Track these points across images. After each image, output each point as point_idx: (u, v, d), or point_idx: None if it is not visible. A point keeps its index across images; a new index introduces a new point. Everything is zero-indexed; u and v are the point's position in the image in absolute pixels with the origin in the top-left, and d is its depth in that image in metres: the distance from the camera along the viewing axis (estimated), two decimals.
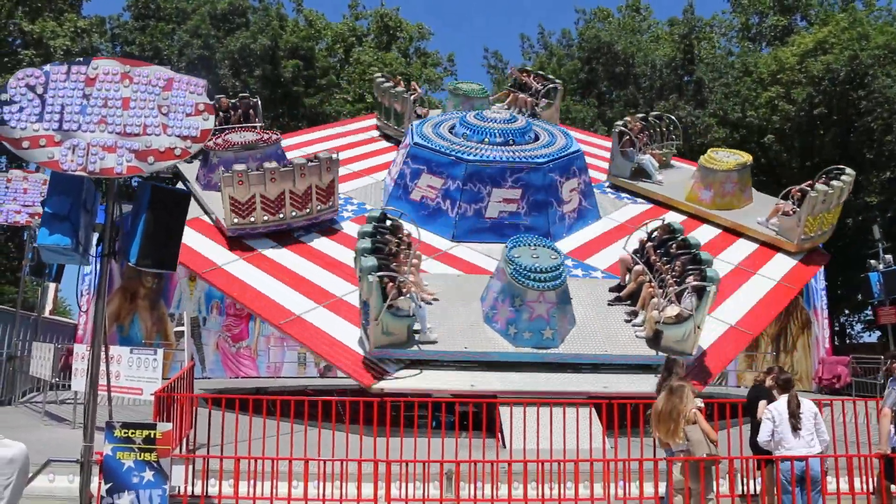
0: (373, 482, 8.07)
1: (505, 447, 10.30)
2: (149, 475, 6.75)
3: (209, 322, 25.05)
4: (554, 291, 12.03)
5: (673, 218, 16.29)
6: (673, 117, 21.38)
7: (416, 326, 11.96)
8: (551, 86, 23.99)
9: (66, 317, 42.81)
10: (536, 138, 17.92)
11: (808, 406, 8.04)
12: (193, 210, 14.25)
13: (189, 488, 8.21)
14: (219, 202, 15.68)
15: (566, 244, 16.01)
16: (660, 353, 11.89)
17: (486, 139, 17.02)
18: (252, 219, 15.34)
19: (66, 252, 6.94)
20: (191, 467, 8.29)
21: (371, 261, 11.23)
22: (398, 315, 11.55)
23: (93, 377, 6.84)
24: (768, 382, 8.81)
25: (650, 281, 12.65)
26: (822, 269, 22.97)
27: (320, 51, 42.04)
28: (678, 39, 39.02)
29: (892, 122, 31.01)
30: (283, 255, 15.05)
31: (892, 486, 7.84)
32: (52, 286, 26.85)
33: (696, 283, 11.83)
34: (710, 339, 13.12)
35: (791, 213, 16.67)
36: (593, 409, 9.90)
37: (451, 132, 17.78)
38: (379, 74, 25.33)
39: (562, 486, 8.00)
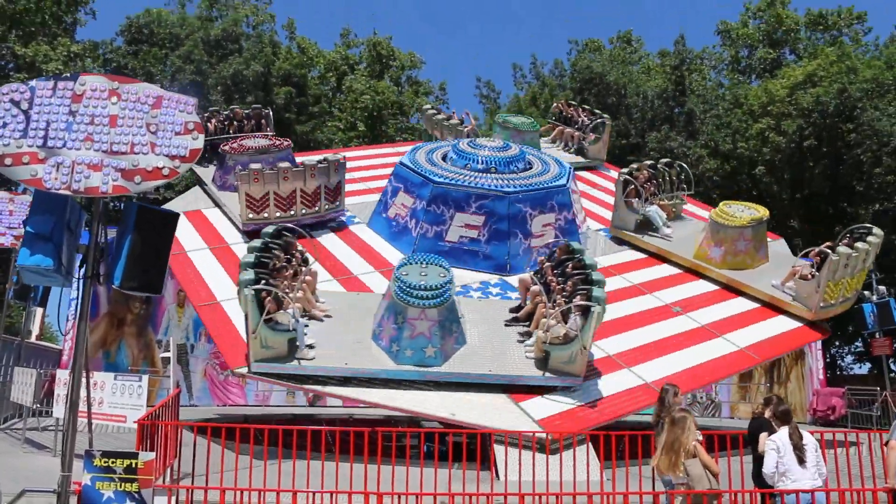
0: None
1: (499, 479, 10.04)
2: None
3: (197, 349, 24.68)
4: (436, 309, 11.85)
5: (693, 284, 16.28)
6: (685, 165, 20.11)
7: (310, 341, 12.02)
8: (599, 120, 23.60)
9: (53, 342, 42.23)
10: (525, 168, 17.74)
11: (809, 438, 7.89)
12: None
13: None
14: (234, 201, 17.05)
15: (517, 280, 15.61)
16: (546, 374, 11.83)
17: (469, 165, 17.12)
18: (265, 214, 16.47)
19: (48, 273, 6.71)
20: (174, 498, 7.98)
21: (249, 274, 11.44)
22: (277, 329, 11.51)
23: (72, 403, 6.58)
24: (767, 414, 8.61)
25: (544, 301, 12.47)
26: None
27: (312, 78, 42.13)
28: (669, 71, 39.33)
29: (881, 154, 31.18)
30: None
31: None
32: (38, 311, 26.49)
33: (581, 302, 11.58)
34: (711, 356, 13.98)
35: (810, 277, 15.02)
36: (589, 444, 9.66)
37: (443, 159, 17.81)
38: (429, 105, 24.97)
39: None
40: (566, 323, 11.67)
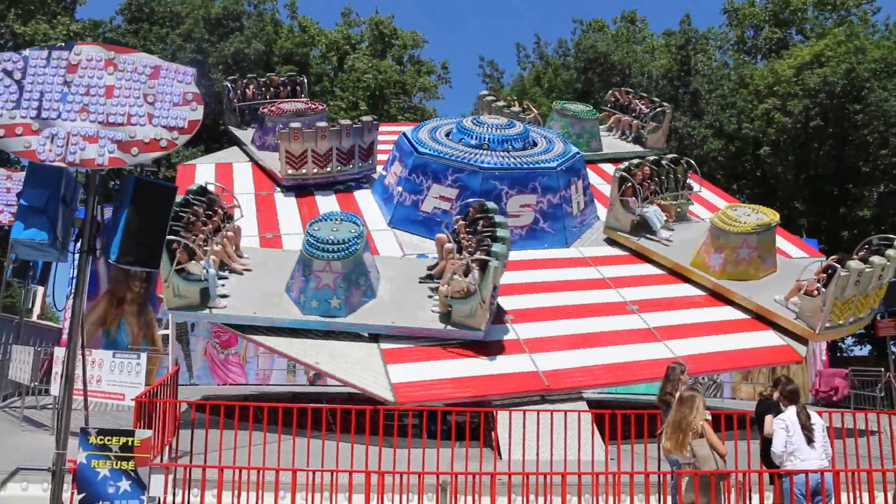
0: (364, 493, 7.68)
1: (501, 458, 9.94)
2: (125, 485, 6.34)
3: (197, 328, 24.51)
4: (340, 262, 12.18)
5: (673, 286, 15.09)
6: (692, 162, 18.79)
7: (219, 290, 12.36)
8: (659, 108, 22.93)
9: (55, 322, 42.20)
10: (524, 147, 17.31)
11: (816, 419, 7.80)
12: None
13: (170, 499, 7.80)
14: (272, 160, 18.73)
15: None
16: (448, 328, 12.08)
17: (463, 140, 17.11)
18: (304, 171, 17.87)
19: (42, 247, 6.54)
20: (172, 477, 7.88)
21: None
22: (188, 279, 11.84)
23: (67, 380, 6.45)
24: (775, 396, 8.49)
25: (455, 258, 12.67)
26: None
27: (314, 58, 41.76)
28: (675, 51, 38.94)
29: (888, 135, 30.93)
30: None
31: None
32: (40, 290, 26.40)
33: (479, 257, 11.87)
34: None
35: (815, 293, 13.40)
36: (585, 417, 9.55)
37: (446, 135, 17.74)
38: (486, 92, 23.79)
39: (562, 499, 7.64)
40: (467, 277, 11.88)
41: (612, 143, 23.22)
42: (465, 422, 10.70)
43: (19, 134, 6.43)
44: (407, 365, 11.69)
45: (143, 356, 11.81)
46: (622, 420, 8.72)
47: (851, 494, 8.29)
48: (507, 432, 9.40)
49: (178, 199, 12.79)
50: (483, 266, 11.74)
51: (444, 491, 7.97)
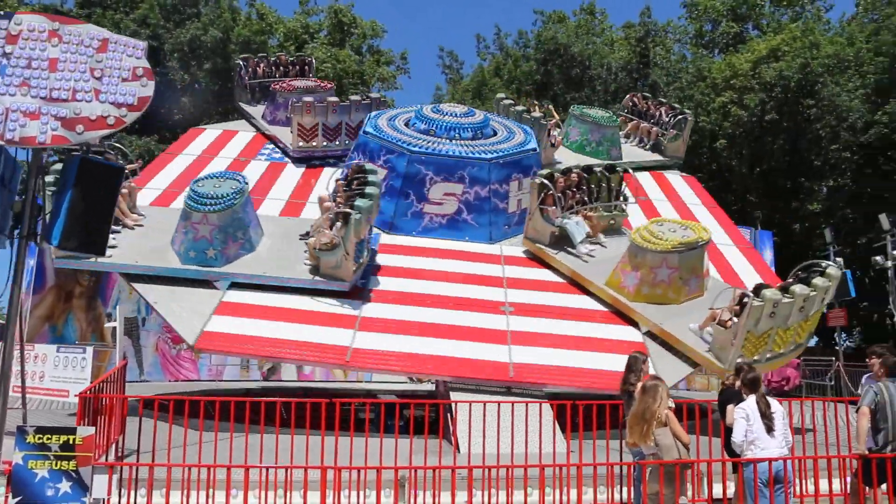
0: (320, 490, 7.42)
1: (460, 451, 9.77)
2: (65, 486, 6.00)
3: (148, 323, 23.87)
4: (217, 214, 12.82)
5: (573, 296, 14.03)
6: (630, 170, 17.66)
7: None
8: (681, 116, 22.00)
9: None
10: (475, 137, 16.99)
11: (777, 406, 7.73)
12: None
13: (115, 500, 7.45)
14: (283, 134, 19.64)
15: (407, 240, 15.70)
16: (316, 278, 12.72)
17: (415, 125, 17.12)
18: (314, 143, 18.83)
19: None
20: (118, 477, 7.52)
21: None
22: None
23: (3, 376, 6.07)
24: (737, 384, 8.44)
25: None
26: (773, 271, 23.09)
27: (272, 47, 41.04)
28: (634, 43, 39.14)
29: (839, 129, 31.47)
30: None
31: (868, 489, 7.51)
32: None
33: (342, 209, 12.52)
34: None
35: (728, 324, 12.04)
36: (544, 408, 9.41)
37: (406, 123, 17.61)
38: (503, 95, 22.77)
39: (523, 492, 7.48)
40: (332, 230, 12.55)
41: (630, 151, 22.15)
42: (424, 416, 10.55)
43: None
44: (235, 318, 12.09)
45: (90, 350, 11.37)
46: (584, 411, 8.59)
47: (807, 482, 8.32)
48: (466, 426, 9.23)
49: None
50: (346, 219, 12.33)
51: (402, 486, 7.76)
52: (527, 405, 9.21)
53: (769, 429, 7.46)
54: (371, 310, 12.83)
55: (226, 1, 39.59)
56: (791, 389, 21.97)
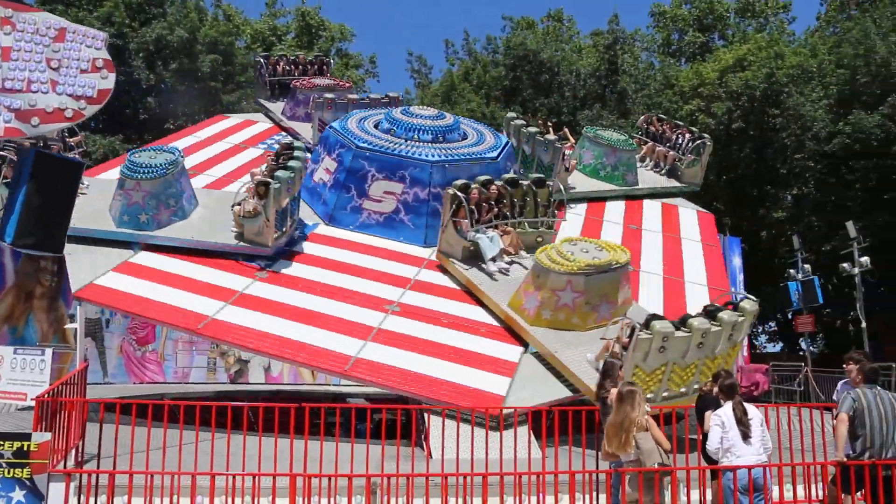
0: (289, 497, 7.18)
1: (432, 458, 9.58)
2: (19, 495, 5.68)
3: (112, 324, 23.36)
4: (150, 182, 13.81)
5: (471, 307, 13.42)
6: (561, 185, 17.08)
7: None
8: (700, 141, 20.92)
9: None
10: (436, 140, 16.72)
11: (754, 412, 7.65)
12: None
13: None
14: (302, 129, 20.73)
15: (340, 234, 15.85)
16: (240, 244, 13.80)
17: (379, 125, 17.19)
18: None
19: None
20: (76, 484, 7.20)
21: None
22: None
23: None
24: (715, 390, 8.36)
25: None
26: (741, 277, 23.28)
27: (239, 49, 40.59)
28: (602, 50, 39.39)
29: (804, 138, 31.91)
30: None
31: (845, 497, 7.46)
32: None
33: (261, 178, 13.68)
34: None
35: (619, 357, 10.69)
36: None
37: (375, 125, 17.51)
38: (514, 115, 20.99)
39: (500, 499, 7.31)
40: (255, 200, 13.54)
41: (646, 176, 21.27)
42: (396, 420, 10.33)
43: None
44: (128, 277, 12.91)
45: (49, 352, 10.91)
46: (559, 417, 8.44)
47: (783, 489, 8.27)
48: (438, 431, 9.04)
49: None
50: (267, 188, 13.33)
51: (374, 493, 7.55)
52: (501, 410, 9.04)
53: (745, 436, 7.38)
54: (254, 287, 13.15)
55: (192, 1, 39.09)
56: (760, 395, 22.13)
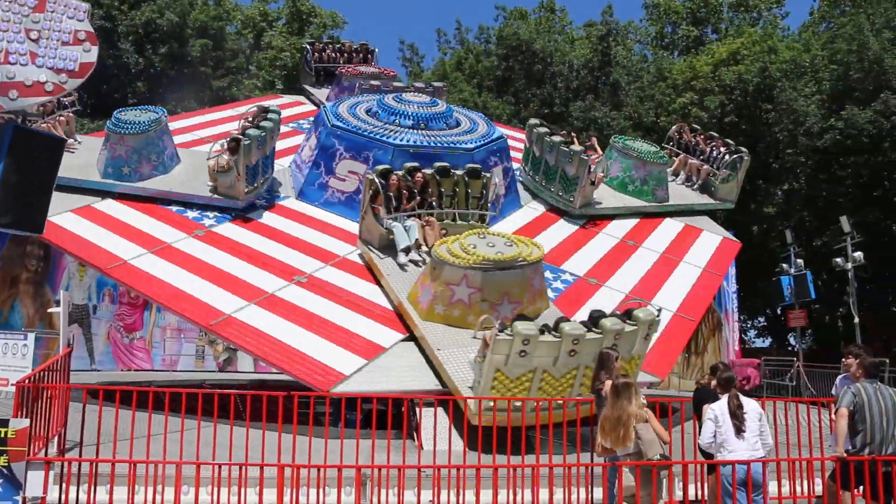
0: (277, 488, 6.99)
1: (424, 449, 9.41)
2: None
3: (100, 310, 23.08)
4: (133, 136, 14.97)
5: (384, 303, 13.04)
6: (496, 178, 15.84)
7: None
8: (737, 155, 19.55)
9: None
10: (417, 125, 16.60)
11: (752, 406, 7.47)
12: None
13: (56, 496, 6.91)
14: None
15: (301, 207, 16.20)
16: (214, 196, 15.03)
17: (370, 110, 17.31)
18: None
19: None
20: (57, 472, 6.98)
21: None
22: None
23: None
24: (713, 384, 8.21)
25: None
26: (733, 272, 23.17)
27: (230, 34, 40.13)
28: (596, 41, 39.20)
29: (796, 133, 31.86)
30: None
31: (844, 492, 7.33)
32: None
33: (235, 135, 14.80)
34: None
35: (478, 360, 10.18)
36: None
37: (367, 111, 17.47)
38: (537, 121, 19.10)
39: (493, 492, 7.15)
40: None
41: (677, 191, 19.68)
42: (387, 411, 10.17)
43: None
44: (80, 218, 13.91)
45: (31, 336, 10.72)
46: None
47: (780, 484, 8.15)
48: (430, 422, 8.87)
49: None
50: (238, 144, 14.44)
51: (364, 485, 7.37)
52: (494, 401, 8.88)
53: (738, 430, 7.20)
54: (183, 243, 13.85)
55: None
56: (752, 389, 22.11)
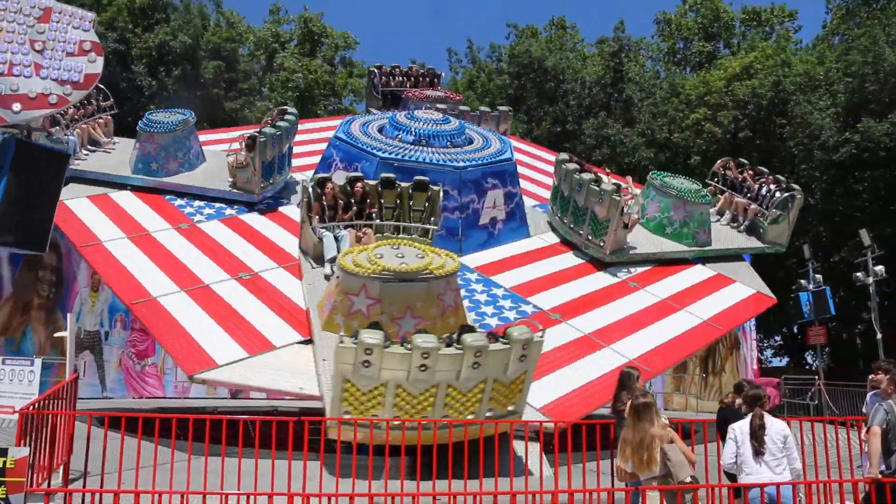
0: None
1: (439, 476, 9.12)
2: None
3: (112, 337, 23.06)
4: (161, 135, 16.27)
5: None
6: (440, 189, 14.22)
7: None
8: (788, 194, 17.36)
9: None
10: (417, 141, 16.37)
11: (778, 427, 7.05)
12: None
13: None
14: None
15: (293, 211, 16.40)
16: (232, 190, 16.10)
17: (381, 129, 17.30)
18: None
19: None
20: (63, 503, 6.77)
21: None
22: (52, 141, 14.14)
23: None
24: (738, 402, 7.89)
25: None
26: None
27: (242, 56, 40.36)
28: (608, 58, 39.09)
29: (812, 147, 31.51)
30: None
31: None
32: None
33: (251, 133, 15.85)
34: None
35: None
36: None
37: (380, 130, 17.37)
38: (567, 157, 17.23)
39: None
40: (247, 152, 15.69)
41: (721, 233, 17.68)
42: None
43: None
44: (90, 203, 15.17)
45: (38, 363, 10.55)
46: (573, 432, 8.00)
47: None
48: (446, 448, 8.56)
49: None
50: (255, 142, 15.41)
51: None
52: (511, 425, 8.61)
53: (756, 451, 6.86)
54: (164, 234, 14.55)
55: (195, 7, 38.88)
56: (772, 409, 21.63)
